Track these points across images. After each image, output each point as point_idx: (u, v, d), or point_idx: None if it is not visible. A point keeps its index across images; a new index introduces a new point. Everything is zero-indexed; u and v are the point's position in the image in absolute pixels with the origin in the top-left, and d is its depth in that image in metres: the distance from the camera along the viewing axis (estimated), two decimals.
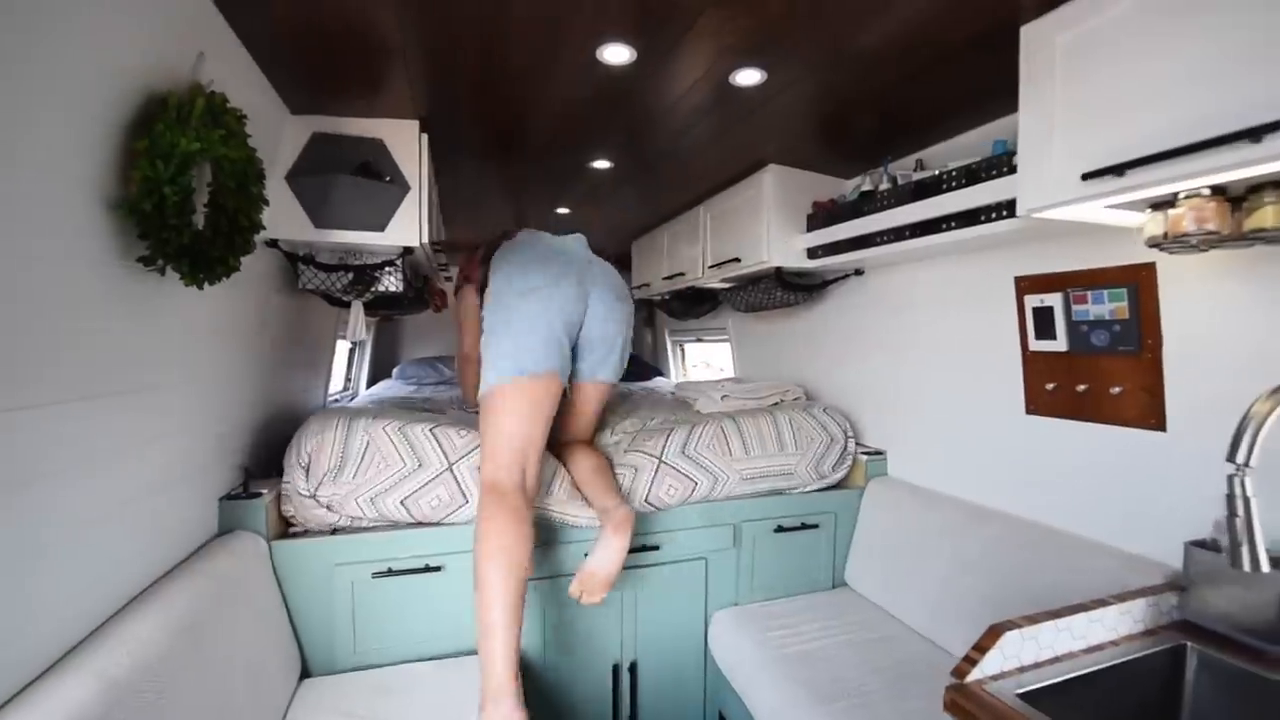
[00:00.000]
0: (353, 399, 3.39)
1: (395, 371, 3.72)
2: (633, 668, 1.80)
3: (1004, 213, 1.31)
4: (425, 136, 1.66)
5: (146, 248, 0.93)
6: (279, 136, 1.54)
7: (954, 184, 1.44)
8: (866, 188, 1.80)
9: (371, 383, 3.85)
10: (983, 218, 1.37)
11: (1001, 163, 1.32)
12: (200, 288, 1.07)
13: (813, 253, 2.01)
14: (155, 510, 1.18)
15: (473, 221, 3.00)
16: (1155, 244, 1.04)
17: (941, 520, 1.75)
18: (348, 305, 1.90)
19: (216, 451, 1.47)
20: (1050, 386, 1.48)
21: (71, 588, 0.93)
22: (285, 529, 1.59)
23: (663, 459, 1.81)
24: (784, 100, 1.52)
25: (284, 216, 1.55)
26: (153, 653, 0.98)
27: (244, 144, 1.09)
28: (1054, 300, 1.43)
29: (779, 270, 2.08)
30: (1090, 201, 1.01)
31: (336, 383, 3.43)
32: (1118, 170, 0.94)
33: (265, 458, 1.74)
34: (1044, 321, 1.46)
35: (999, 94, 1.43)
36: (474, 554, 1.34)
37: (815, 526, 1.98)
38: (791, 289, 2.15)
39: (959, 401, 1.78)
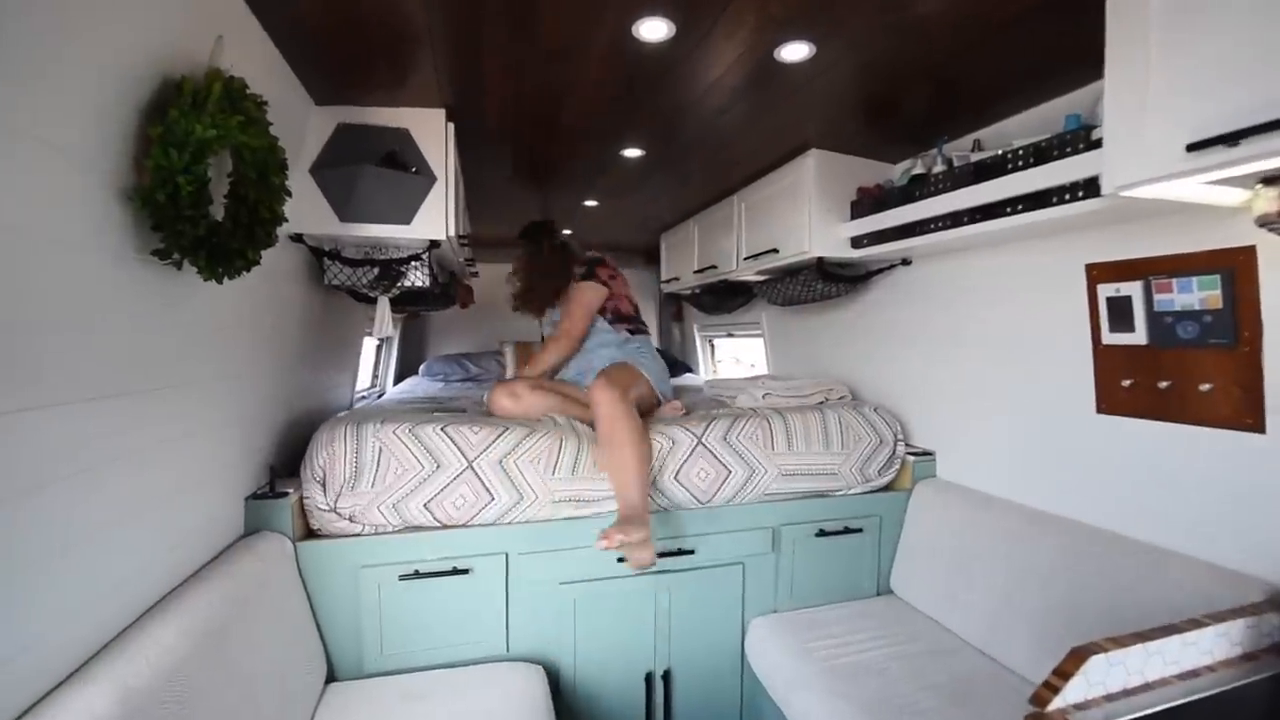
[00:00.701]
0: (380, 396, 3.37)
1: (422, 368, 3.70)
2: (666, 676, 1.73)
3: (1079, 193, 1.19)
4: (451, 125, 1.60)
5: (161, 240, 0.89)
6: (303, 128, 1.49)
7: (1021, 163, 1.32)
8: (918, 171, 1.68)
9: (399, 380, 3.85)
10: (1054, 199, 1.24)
11: (1077, 139, 1.20)
12: (220, 282, 1.03)
13: (857, 242, 1.90)
14: (180, 511, 1.15)
15: (498, 217, 2.95)
16: (1266, 223, 0.92)
17: (999, 526, 1.63)
18: (374, 301, 1.86)
19: (243, 450, 1.44)
20: (1126, 383, 1.35)
21: (92, 593, 0.89)
22: (309, 530, 1.55)
23: (703, 439, 1.74)
24: (830, 78, 1.41)
25: (308, 210, 1.51)
26: (174, 660, 0.95)
27: (265, 132, 1.04)
28: (1132, 289, 1.30)
29: (820, 261, 1.97)
30: (1192, 177, 0.90)
31: (365, 380, 3.44)
32: (1230, 139, 0.82)
33: (292, 456, 1.71)
34: (1120, 312, 1.33)
35: (1069, 64, 1.31)
36: (606, 419, 1.63)
37: (859, 531, 1.87)
38: (833, 280, 2.04)
39: (1017, 400, 1.65)
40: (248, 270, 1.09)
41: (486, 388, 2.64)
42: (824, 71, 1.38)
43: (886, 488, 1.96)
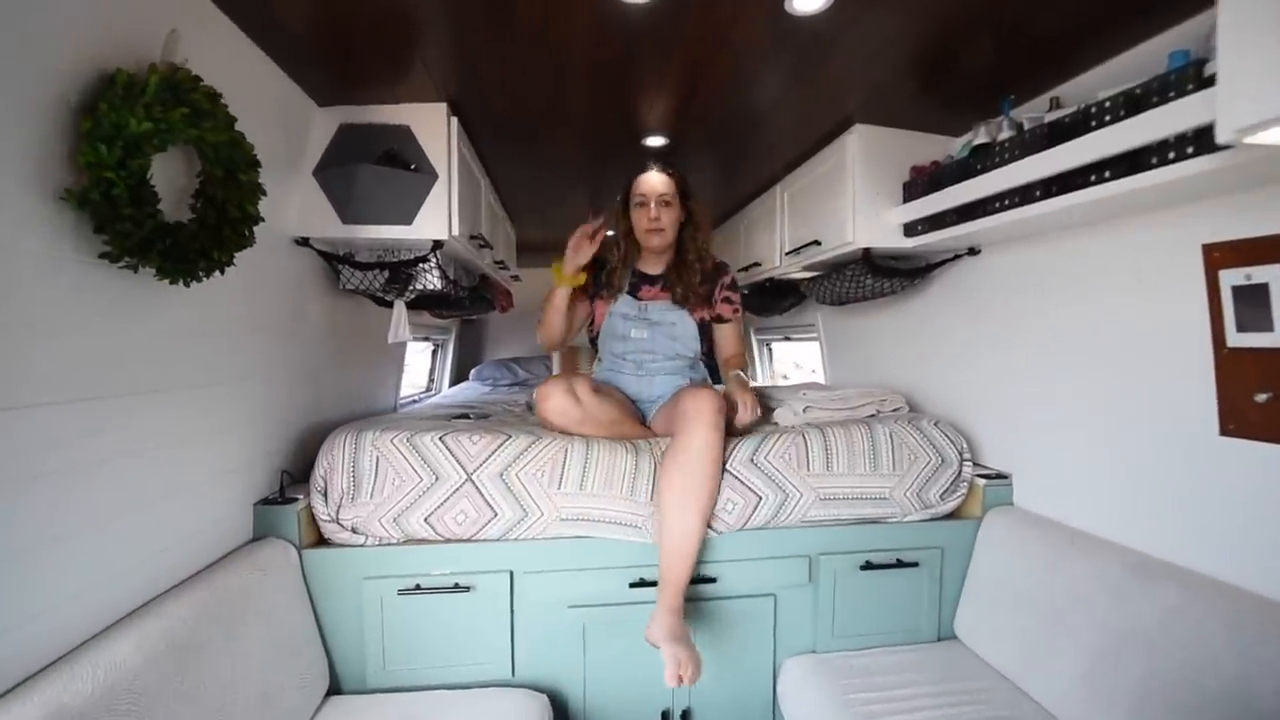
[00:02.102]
0: (431, 398, 3.42)
1: (473, 373, 3.74)
2: (686, 716, 1.56)
3: (1188, 149, 0.91)
4: (455, 120, 1.53)
5: (105, 242, 0.86)
6: (307, 131, 1.48)
7: (1108, 118, 1.05)
8: (980, 141, 1.41)
9: (455, 382, 3.91)
10: (1154, 160, 0.97)
11: (1184, 79, 0.92)
12: (186, 285, 0.99)
13: (910, 229, 1.64)
14: (170, 516, 1.14)
15: (540, 220, 2.90)
16: None
17: (1093, 570, 1.33)
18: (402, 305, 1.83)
19: (252, 454, 1.43)
20: (1262, 398, 1.03)
21: (41, 605, 0.87)
22: (318, 537, 1.53)
23: (727, 466, 1.54)
24: (863, 34, 1.20)
25: (315, 213, 1.50)
26: (123, 676, 0.91)
27: (224, 126, 1.00)
28: (1270, 274, 0.99)
29: (867, 253, 1.73)
30: None
31: (418, 384, 3.52)
32: None
33: (311, 462, 1.70)
34: (1252, 306, 1.02)
35: None
36: (704, 450, 1.43)
37: (914, 565, 1.61)
38: (885, 275, 1.78)
39: (1115, 416, 1.34)
40: (220, 272, 1.05)
41: (529, 393, 2.57)
42: (851, 26, 1.17)
43: (951, 515, 1.68)
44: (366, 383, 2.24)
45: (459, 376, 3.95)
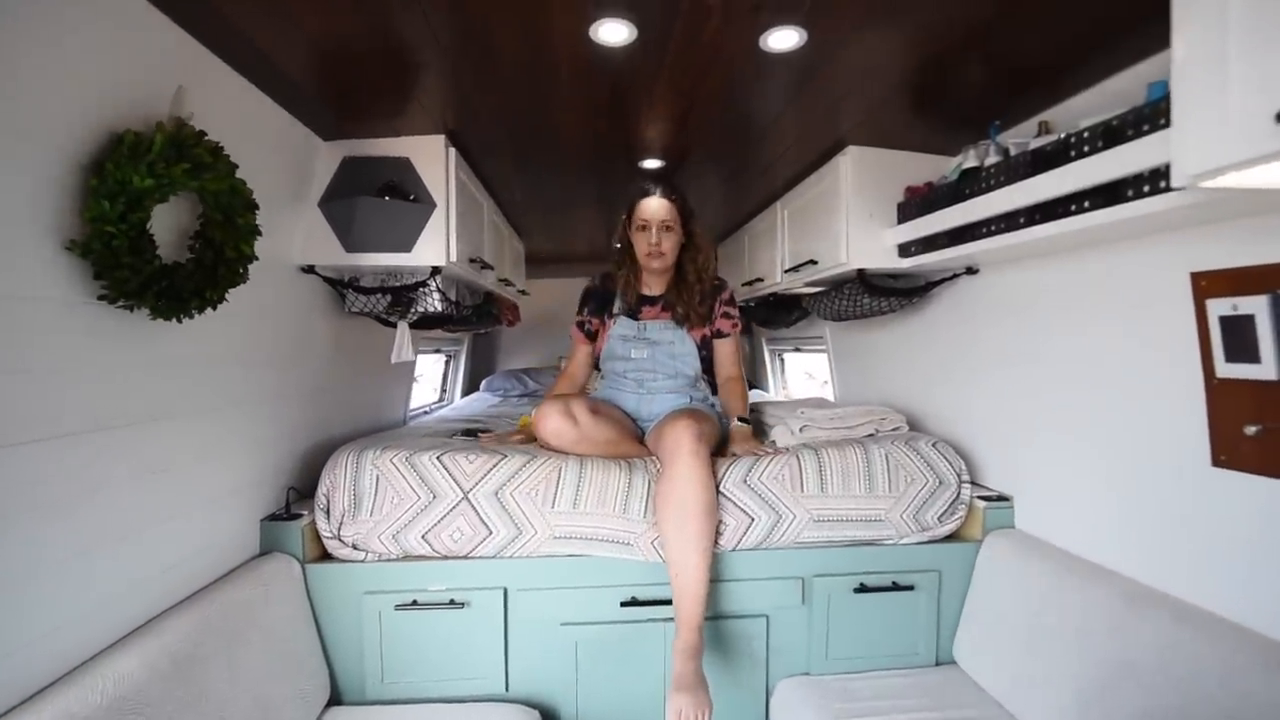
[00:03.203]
0: (441, 409, 3.49)
1: (483, 384, 3.80)
2: None
3: (1161, 184, 0.90)
4: (453, 150, 1.58)
5: (103, 287, 0.92)
6: (312, 164, 1.55)
7: (1086, 148, 1.04)
8: (970, 164, 1.40)
9: (468, 392, 3.99)
10: (1129, 193, 0.96)
11: (1157, 113, 0.91)
12: (180, 321, 1.06)
13: (904, 250, 1.64)
14: (177, 535, 1.20)
15: (547, 234, 2.95)
16: None
17: (1089, 599, 1.30)
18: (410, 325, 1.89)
19: (261, 473, 1.50)
20: (1252, 430, 1.01)
21: (52, 624, 0.93)
22: (322, 552, 1.59)
23: (720, 486, 1.56)
24: (843, 67, 1.21)
25: (320, 242, 1.56)
26: (130, 688, 0.96)
27: (225, 176, 1.06)
28: (1256, 305, 0.97)
29: (861, 273, 1.73)
30: None
31: (429, 395, 3.59)
32: None
33: (318, 477, 1.77)
34: (1240, 336, 1.00)
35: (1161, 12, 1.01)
36: (694, 482, 1.43)
37: (910, 588, 1.60)
38: (882, 295, 1.77)
39: (1113, 442, 1.32)
40: (213, 308, 1.12)
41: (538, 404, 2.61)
42: (831, 55, 1.18)
43: (950, 537, 1.66)
44: (375, 398, 2.32)
45: (472, 386, 4.02)
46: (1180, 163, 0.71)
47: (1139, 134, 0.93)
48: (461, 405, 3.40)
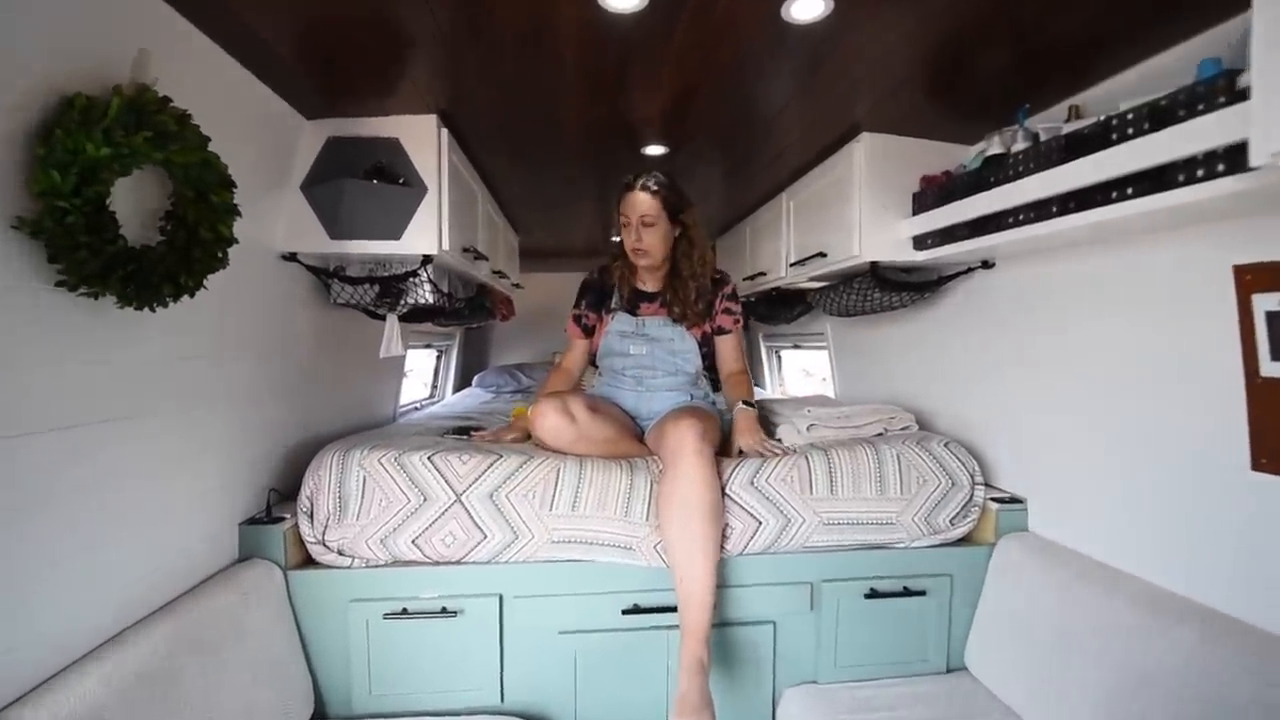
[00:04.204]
0: (432, 406, 3.40)
1: (475, 380, 3.70)
2: None
3: (1219, 167, 0.84)
4: (445, 131, 1.49)
5: (59, 271, 0.82)
6: (294, 144, 1.45)
7: (1131, 130, 0.97)
8: (994, 151, 1.33)
9: (460, 388, 3.89)
10: (1180, 178, 0.89)
11: (1215, 91, 0.84)
12: (152, 310, 0.96)
13: (920, 242, 1.57)
14: (150, 543, 1.11)
15: (547, 227, 2.86)
16: None
17: (1111, 606, 1.25)
18: (397, 318, 1.80)
19: (238, 474, 1.41)
20: None
21: (10, 643, 0.84)
22: (306, 557, 1.50)
23: (726, 488, 1.49)
24: (867, 41, 1.14)
25: (302, 229, 1.46)
26: (87, 709, 0.88)
27: (194, 148, 0.96)
28: None
29: (874, 266, 1.66)
30: None
31: (420, 391, 3.49)
32: None
33: (301, 478, 1.68)
34: None
35: None
36: (698, 483, 1.36)
37: (922, 593, 1.54)
38: (893, 289, 1.71)
39: (1139, 444, 1.26)
40: (190, 296, 1.02)
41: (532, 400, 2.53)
42: (853, 29, 1.10)
43: (962, 541, 1.61)
44: (363, 394, 2.22)
45: (464, 381, 3.92)
46: (1262, 138, 0.64)
47: (1192, 113, 0.87)
48: (453, 401, 3.30)
